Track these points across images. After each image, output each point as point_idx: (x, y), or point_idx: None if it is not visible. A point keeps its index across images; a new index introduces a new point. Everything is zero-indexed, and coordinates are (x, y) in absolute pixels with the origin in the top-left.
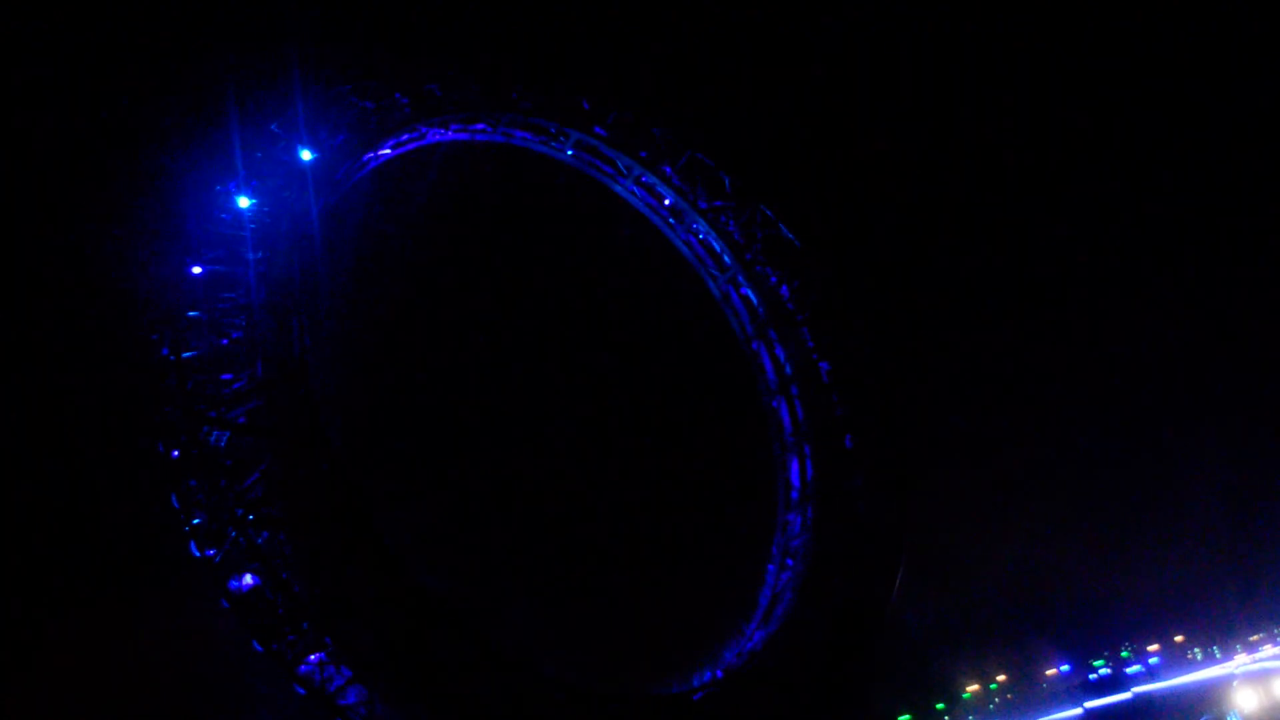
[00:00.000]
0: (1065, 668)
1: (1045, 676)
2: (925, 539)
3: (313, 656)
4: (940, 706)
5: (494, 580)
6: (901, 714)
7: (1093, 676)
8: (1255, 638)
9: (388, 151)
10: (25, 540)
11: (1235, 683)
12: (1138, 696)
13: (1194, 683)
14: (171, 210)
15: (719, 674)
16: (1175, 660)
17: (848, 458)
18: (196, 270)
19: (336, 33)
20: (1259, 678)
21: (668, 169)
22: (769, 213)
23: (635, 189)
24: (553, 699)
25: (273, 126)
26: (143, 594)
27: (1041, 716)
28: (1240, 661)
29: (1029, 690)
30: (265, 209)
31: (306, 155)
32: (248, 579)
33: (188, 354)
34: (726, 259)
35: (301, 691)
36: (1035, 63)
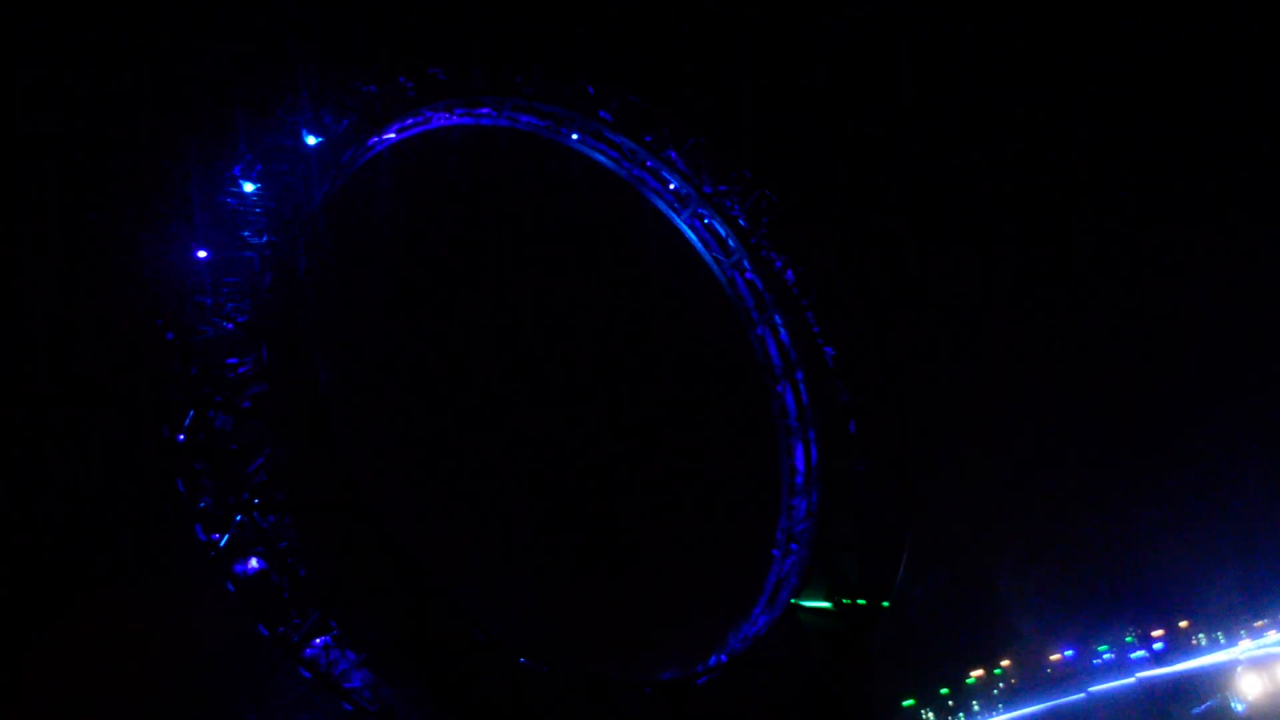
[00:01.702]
0: (1069, 653)
1: (1049, 661)
2: (929, 524)
3: (318, 640)
4: (945, 691)
5: (497, 565)
6: (906, 699)
7: (1097, 661)
8: (1259, 623)
9: (392, 136)
10: (31, 525)
11: (1239, 668)
12: (1141, 681)
13: (1198, 668)
14: (176, 195)
15: (723, 658)
16: (1179, 645)
17: (852, 443)
18: (202, 255)
19: (340, 17)
20: (1263, 663)
21: (672, 154)
22: (774, 197)
23: (640, 174)
24: (555, 683)
25: (277, 111)
26: (148, 577)
27: (1046, 701)
28: (1244, 647)
29: (1033, 675)
30: (270, 194)
31: (311, 140)
32: (253, 563)
33: (193, 338)
34: (731, 243)
35: (307, 675)
36: (1040, 49)
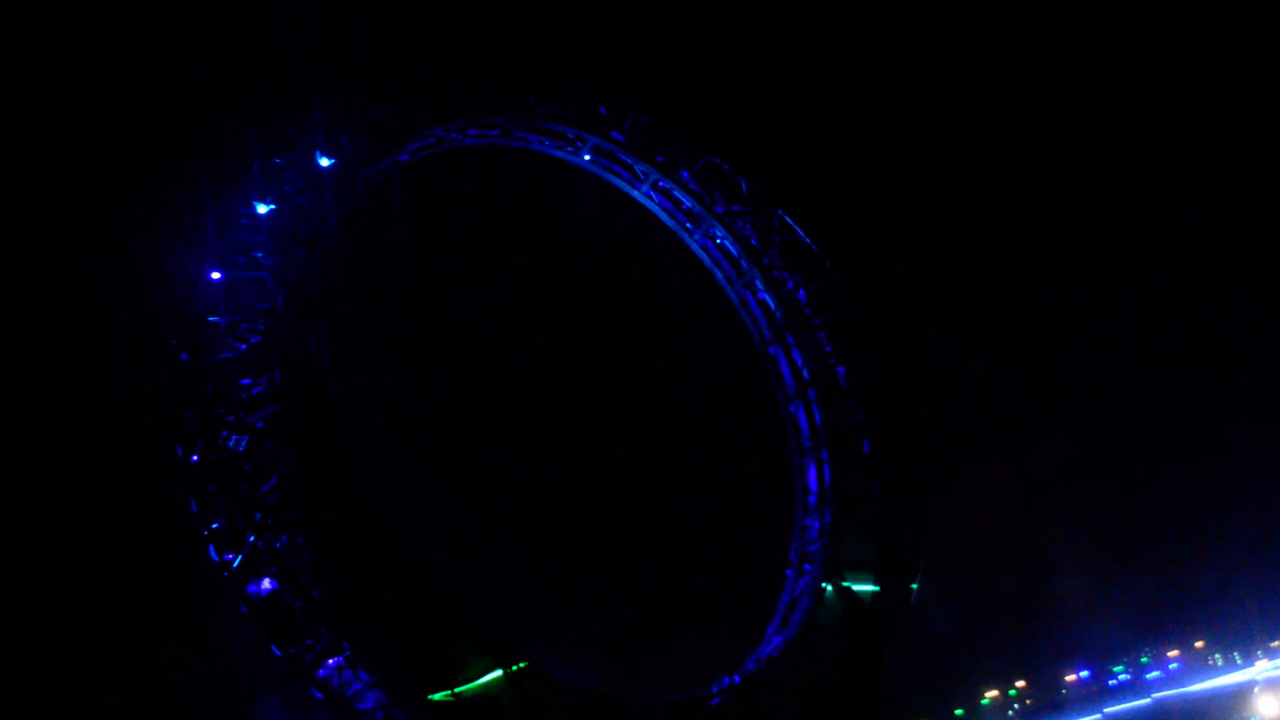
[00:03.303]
0: (1085, 673)
1: (1065, 682)
2: (943, 543)
3: (331, 660)
4: (959, 712)
5: (512, 585)
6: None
7: (1112, 682)
8: (1276, 643)
9: (405, 157)
10: (45, 544)
11: (1256, 689)
12: (1157, 702)
13: (1214, 688)
14: (190, 217)
15: (736, 679)
16: (1195, 666)
17: (865, 462)
18: (216, 276)
19: (354, 39)
20: None
21: (684, 173)
22: (786, 217)
23: (652, 193)
24: (570, 704)
25: (290, 133)
26: (162, 598)
27: None
28: (1261, 667)
29: (1048, 696)
30: (284, 215)
31: (324, 161)
32: (266, 583)
33: (207, 359)
34: (743, 263)
35: (319, 695)
36: (1055, 62)
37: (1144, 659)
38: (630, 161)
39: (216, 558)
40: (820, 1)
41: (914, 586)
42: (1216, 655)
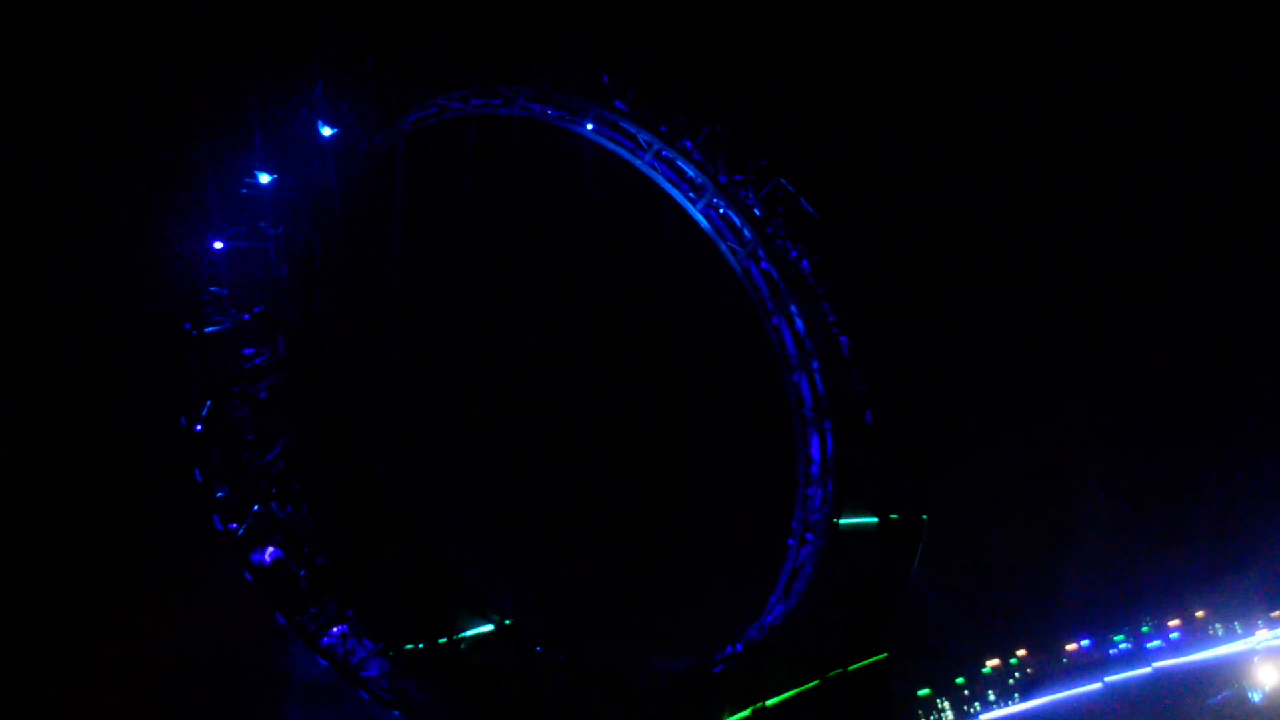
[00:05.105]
0: (1086, 642)
1: (1065, 651)
2: (945, 513)
3: (335, 629)
4: (960, 681)
5: (514, 556)
6: (921, 689)
7: (1113, 651)
8: (1277, 613)
9: (408, 126)
10: (49, 516)
11: (1256, 658)
12: (1158, 671)
13: (1215, 658)
14: (192, 186)
15: (739, 648)
16: (1196, 635)
17: (868, 432)
18: (218, 245)
19: (357, 7)
20: None
21: (688, 143)
22: (789, 186)
23: (655, 163)
24: (572, 673)
25: (293, 101)
26: (167, 567)
27: (1061, 691)
28: (1261, 637)
29: (1049, 664)
30: (286, 184)
31: (326, 130)
32: (270, 552)
33: (210, 329)
34: (746, 233)
35: (324, 663)
36: (1060, 38)
37: (1145, 628)
38: (633, 131)
39: (221, 527)
40: None
41: (916, 556)
42: (1217, 625)
